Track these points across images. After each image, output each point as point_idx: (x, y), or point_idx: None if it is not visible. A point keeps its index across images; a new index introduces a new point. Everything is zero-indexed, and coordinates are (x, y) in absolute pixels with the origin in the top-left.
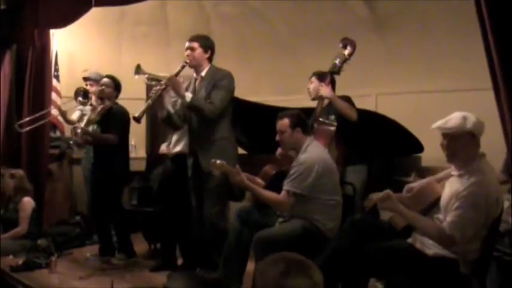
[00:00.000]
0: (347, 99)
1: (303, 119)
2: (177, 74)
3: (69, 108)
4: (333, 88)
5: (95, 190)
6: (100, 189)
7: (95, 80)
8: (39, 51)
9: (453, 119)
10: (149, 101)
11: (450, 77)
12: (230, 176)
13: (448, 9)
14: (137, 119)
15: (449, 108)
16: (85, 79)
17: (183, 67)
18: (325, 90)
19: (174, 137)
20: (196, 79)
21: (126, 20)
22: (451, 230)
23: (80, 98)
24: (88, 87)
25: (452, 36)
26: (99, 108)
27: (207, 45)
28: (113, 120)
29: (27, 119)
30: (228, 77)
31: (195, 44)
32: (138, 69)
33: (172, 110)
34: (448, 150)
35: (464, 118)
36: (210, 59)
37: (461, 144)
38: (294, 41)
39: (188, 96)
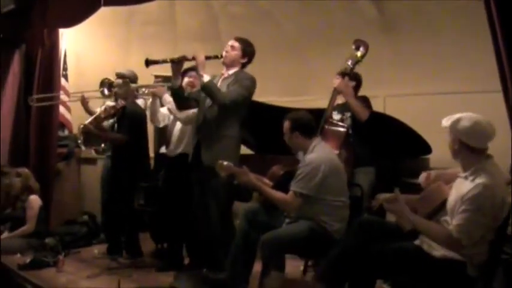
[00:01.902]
0: (364, 100)
1: (303, 122)
2: (207, 58)
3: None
4: (357, 88)
5: (109, 189)
6: (114, 189)
7: (128, 77)
8: (48, 51)
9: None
10: (170, 58)
11: (458, 79)
12: (237, 176)
13: (456, 11)
14: (148, 62)
15: (457, 110)
16: (117, 75)
17: (215, 57)
18: (338, 83)
19: (175, 138)
20: (222, 74)
21: (134, 20)
22: (458, 234)
23: (105, 89)
24: None
25: (460, 38)
26: (107, 108)
27: (248, 51)
28: (125, 119)
29: (41, 96)
30: (251, 80)
31: (237, 45)
32: (147, 62)
33: (165, 112)
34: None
35: (449, 119)
36: (243, 65)
37: (453, 143)
38: (302, 42)
39: (206, 77)
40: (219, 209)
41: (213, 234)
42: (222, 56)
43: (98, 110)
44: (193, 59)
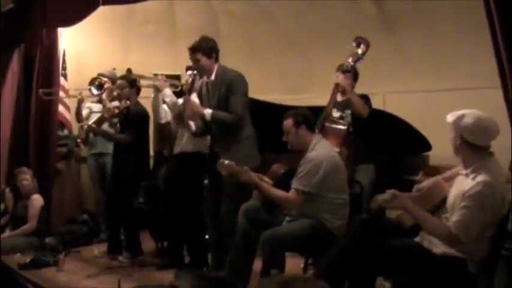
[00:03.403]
0: (365, 98)
1: (307, 116)
2: (190, 91)
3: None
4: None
5: (111, 188)
6: (116, 188)
7: (109, 78)
8: (47, 50)
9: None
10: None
11: (458, 76)
12: (239, 175)
13: (456, 8)
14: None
15: (457, 107)
16: (100, 75)
17: (193, 80)
18: (340, 78)
19: (177, 137)
20: (207, 82)
21: (133, 18)
22: (456, 230)
23: (94, 88)
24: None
25: (460, 35)
26: (110, 107)
27: (209, 49)
28: (129, 120)
29: (47, 90)
30: (240, 79)
31: (198, 55)
32: (129, 74)
33: (167, 109)
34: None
35: (453, 114)
36: (216, 60)
37: (455, 140)
38: (303, 40)
39: (208, 113)
40: (234, 209)
41: (224, 234)
42: (196, 74)
43: (84, 112)
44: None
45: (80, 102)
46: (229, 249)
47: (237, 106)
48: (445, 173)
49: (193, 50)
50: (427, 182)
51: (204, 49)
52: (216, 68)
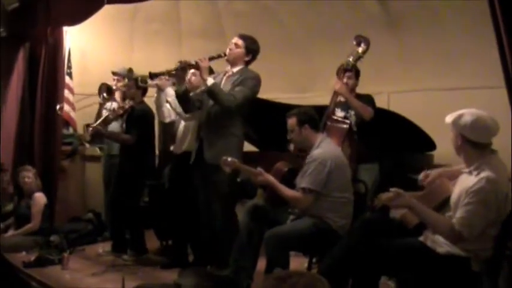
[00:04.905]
0: (369, 99)
1: (311, 115)
2: (210, 59)
3: (88, 103)
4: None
5: (116, 187)
6: (121, 187)
7: (122, 76)
8: (52, 49)
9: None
10: (173, 68)
11: (462, 75)
12: (253, 177)
13: (460, 7)
14: (151, 76)
15: (462, 106)
16: (113, 73)
17: (219, 56)
18: (338, 86)
19: (179, 135)
20: (226, 72)
21: (138, 17)
22: (460, 226)
23: (104, 94)
24: (115, 82)
25: (464, 35)
26: (116, 108)
27: (251, 49)
28: (133, 120)
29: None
30: (256, 79)
31: (241, 42)
32: (151, 76)
33: (170, 108)
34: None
35: (452, 115)
36: (247, 62)
37: (456, 139)
38: (306, 39)
39: (210, 81)
40: (223, 205)
41: (217, 231)
42: (225, 54)
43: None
44: (197, 64)
45: (101, 106)
46: (232, 247)
47: (239, 94)
48: (452, 167)
49: (242, 36)
50: (433, 172)
51: (249, 44)
52: (241, 66)
